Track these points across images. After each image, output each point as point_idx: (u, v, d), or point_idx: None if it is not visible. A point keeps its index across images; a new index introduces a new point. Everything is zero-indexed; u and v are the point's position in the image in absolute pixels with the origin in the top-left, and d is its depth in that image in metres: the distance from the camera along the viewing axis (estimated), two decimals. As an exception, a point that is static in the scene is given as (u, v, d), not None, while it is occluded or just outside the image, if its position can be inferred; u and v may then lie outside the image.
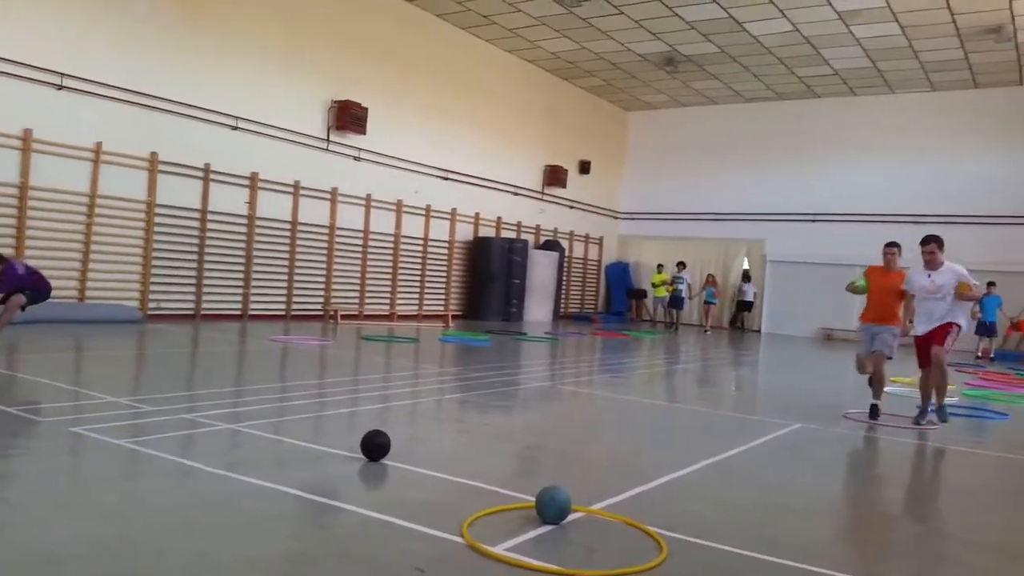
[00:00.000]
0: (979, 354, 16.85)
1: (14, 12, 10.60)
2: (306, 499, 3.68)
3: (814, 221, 21.72)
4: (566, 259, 21.81)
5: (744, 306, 21.92)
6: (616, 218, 24.91)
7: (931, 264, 7.09)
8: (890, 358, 7.41)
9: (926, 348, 7.09)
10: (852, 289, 7.78)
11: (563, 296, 21.79)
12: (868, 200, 20.78)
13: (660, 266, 21.87)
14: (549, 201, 21.56)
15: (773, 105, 22.48)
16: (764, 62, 18.96)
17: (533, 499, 3.78)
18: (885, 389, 7.57)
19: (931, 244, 7.12)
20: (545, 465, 4.95)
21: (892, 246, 7.58)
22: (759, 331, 22.25)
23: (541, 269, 19.79)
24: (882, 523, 4.24)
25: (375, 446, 4.37)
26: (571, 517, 3.57)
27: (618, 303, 24.03)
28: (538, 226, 21.14)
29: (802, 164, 21.98)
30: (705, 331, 20.23)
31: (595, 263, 24.07)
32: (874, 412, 7.20)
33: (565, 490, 3.54)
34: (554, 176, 21.28)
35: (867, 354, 7.49)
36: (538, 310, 19.70)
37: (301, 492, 3.76)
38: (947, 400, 7.19)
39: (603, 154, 23.68)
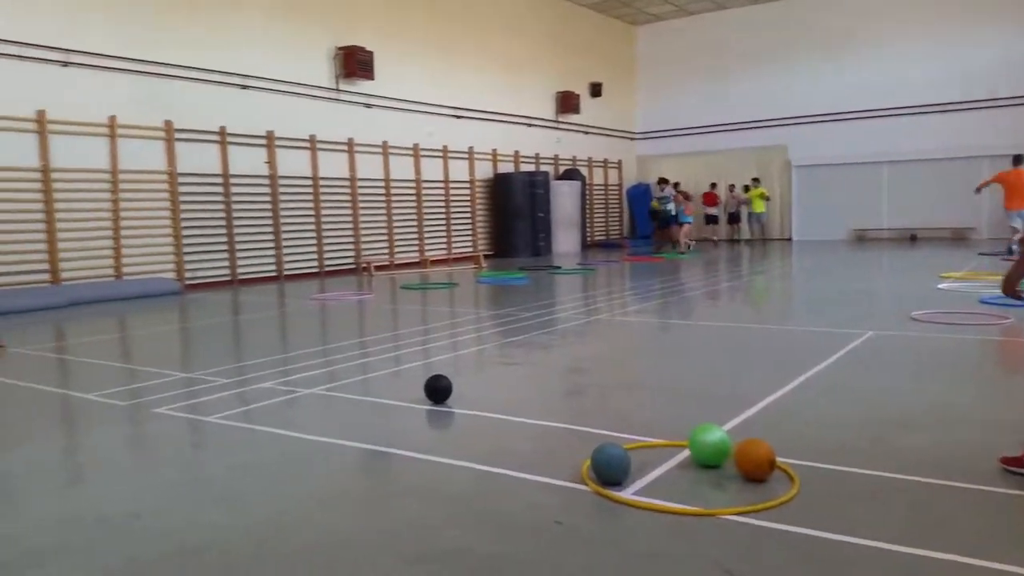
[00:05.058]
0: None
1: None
2: (404, 456, 3.60)
3: (837, 121, 21.17)
4: (587, 187, 21.47)
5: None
6: (632, 139, 24.42)
7: None
8: None
9: None
10: None
11: (588, 225, 21.55)
12: (890, 94, 20.18)
13: (756, 180, 21.40)
14: (564, 129, 21.12)
15: (783, 4, 21.67)
16: (776, -41, 18.20)
17: (641, 439, 3.71)
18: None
19: None
20: (641, 402, 4.85)
21: None
22: (789, 239, 22.03)
23: (564, 199, 19.52)
24: (997, 433, 4.12)
25: (436, 390, 4.57)
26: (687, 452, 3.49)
27: (643, 227, 23.70)
28: (556, 156, 20.76)
29: (818, 63, 21.30)
30: (688, 247, 19.13)
31: (616, 188, 23.72)
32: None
33: (609, 449, 3.19)
34: (567, 102, 20.78)
35: None
36: (565, 241, 19.51)
37: (395, 450, 3.68)
38: None
39: (614, 74, 23.06)
